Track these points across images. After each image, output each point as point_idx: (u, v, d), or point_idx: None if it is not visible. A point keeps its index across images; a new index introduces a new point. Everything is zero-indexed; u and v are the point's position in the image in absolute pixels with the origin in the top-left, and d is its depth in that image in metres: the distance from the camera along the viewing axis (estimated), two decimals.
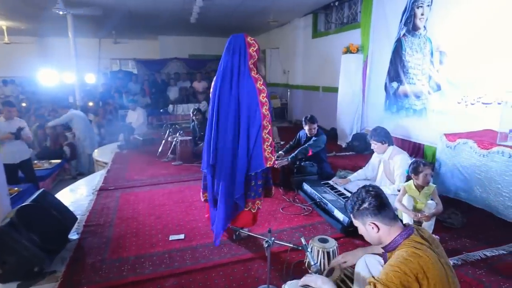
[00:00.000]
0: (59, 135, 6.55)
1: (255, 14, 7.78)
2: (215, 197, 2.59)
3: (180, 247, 2.66)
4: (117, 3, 6.69)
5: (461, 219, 3.01)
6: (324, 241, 2.15)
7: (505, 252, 2.53)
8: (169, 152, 5.26)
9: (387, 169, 3.26)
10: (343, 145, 6.13)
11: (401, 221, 2.79)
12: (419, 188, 2.83)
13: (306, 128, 4.10)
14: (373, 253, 1.81)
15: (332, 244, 2.11)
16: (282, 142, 4.76)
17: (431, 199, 2.78)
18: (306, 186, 3.71)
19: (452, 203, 3.31)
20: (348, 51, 5.86)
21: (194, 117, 5.34)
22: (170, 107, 8.89)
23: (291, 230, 2.93)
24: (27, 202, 2.53)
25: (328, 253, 2.07)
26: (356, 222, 1.51)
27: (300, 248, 1.87)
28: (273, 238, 1.91)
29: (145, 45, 11.70)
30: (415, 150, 4.95)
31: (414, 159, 3.03)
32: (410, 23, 4.86)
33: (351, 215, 1.52)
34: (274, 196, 3.67)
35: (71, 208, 3.47)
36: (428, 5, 4.51)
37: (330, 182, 3.77)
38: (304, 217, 3.20)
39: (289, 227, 2.99)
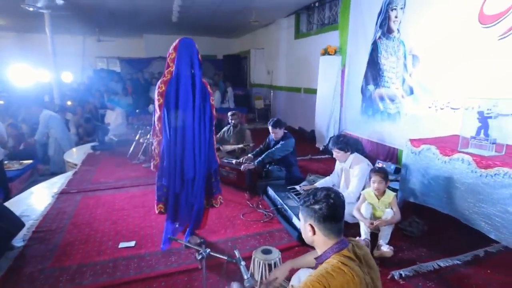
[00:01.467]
0: (22, 134, 6.40)
1: (236, 14, 7.68)
2: (179, 207, 2.54)
3: (128, 255, 2.56)
4: (94, 1, 6.55)
5: (422, 227, 2.96)
6: (267, 252, 2.07)
7: (459, 262, 2.48)
8: (140, 153, 5.15)
9: (348, 178, 3.19)
10: (321, 148, 6.07)
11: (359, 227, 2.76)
12: (379, 195, 2.78)
13: (271, 132, 4.02)
14: (305, 266, 1.74)
15: (275, 255, 2.03)
16: (251, 144, 4.68)
17: (391, 208, 2.73)
18: (270, 191, 3.63)
19: (418, 209, 3.24)
20: (326, 52, 5.80)
21: None
22: (151, 107, 8.75)
23: (247, 238, 2.85)
24: None
25: (269, 265, 1.99)
26: (300, 214, 1.42)
27: (234, 261, 1.79)
28: (208, 250, 1.83)
29: (130, 44, 11.53)
30: (390, 154, 4.90)
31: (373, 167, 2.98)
32: (385, 26, 4.81)
33: (299, 205, 1.42)
34: (238, 201, 3.63)
35: (27, 213, 3.39)
36: (402, 8, 4.46)
37: (297, 187, 3.69)
38: (264, 224, 3.12)
39: (245, 234, 2.91)
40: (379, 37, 4.96)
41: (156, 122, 2.42)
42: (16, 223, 2.78)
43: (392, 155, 4.85)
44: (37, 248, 2.67)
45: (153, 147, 2.53)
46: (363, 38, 5.32)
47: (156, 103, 2.36)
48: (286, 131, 4.13)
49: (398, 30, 4.55)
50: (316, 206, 1.32)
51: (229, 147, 4.79)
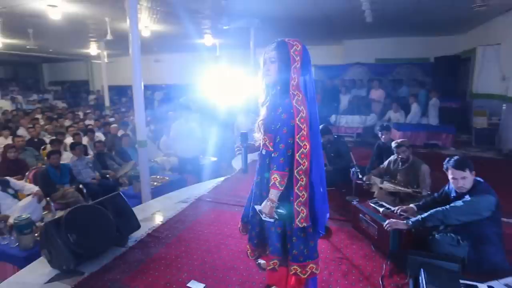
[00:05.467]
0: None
1: (449, 1, 5.66)
2: None
3: None
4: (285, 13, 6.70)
5: None
6: None
7: None
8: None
9: None
10: None
11: None
12: None
13: (450, 176, 2.41)
14: None
15: None
16: (425, 193, 3.09)
17: None
18: (422, 277, 2.14)
19: None
20: None
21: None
22: (333, 117, 8.10)
23: None
24: (89, 203, 2.75)
25: None
26: None
27: None
28: None
29: (330, 51, 11.27)
30: None
31: None
32: None
33: None
34: (367, 273, 2.45)
35: (164, 212, 3.63)
36: None
37: (481, 287, 2.01)
38: None
39: None
40: None
41: (300, 160, 1.66)
42: (132, 223, 2.98)
43: None
44: (134, 254, 2.72)
45: (296, 198, 1.71)
46: None
47: (299, 133, 1.65)
48: (480, 179, 2.39)
49: None
50: None
51: (391, 187, 3.43)
